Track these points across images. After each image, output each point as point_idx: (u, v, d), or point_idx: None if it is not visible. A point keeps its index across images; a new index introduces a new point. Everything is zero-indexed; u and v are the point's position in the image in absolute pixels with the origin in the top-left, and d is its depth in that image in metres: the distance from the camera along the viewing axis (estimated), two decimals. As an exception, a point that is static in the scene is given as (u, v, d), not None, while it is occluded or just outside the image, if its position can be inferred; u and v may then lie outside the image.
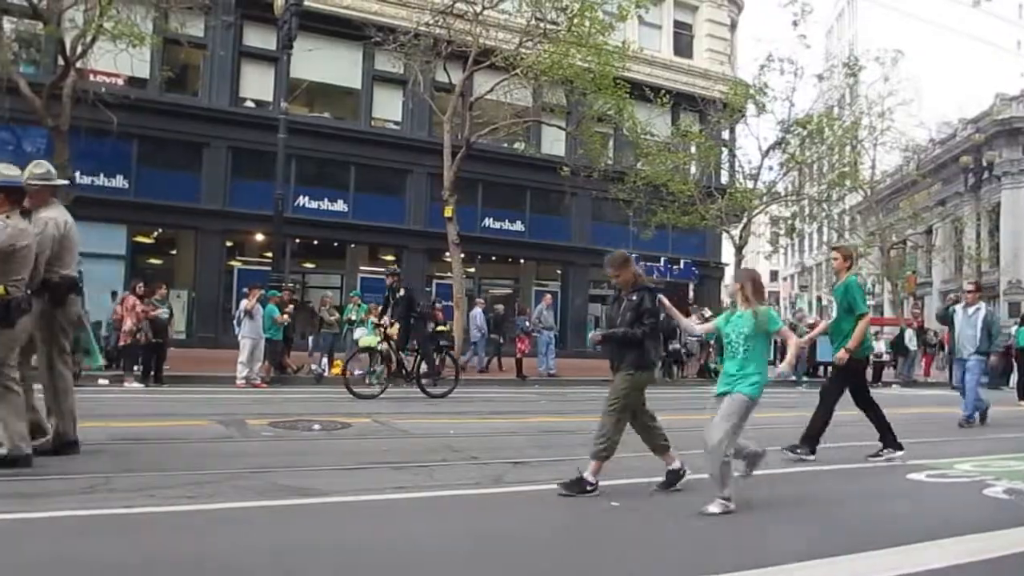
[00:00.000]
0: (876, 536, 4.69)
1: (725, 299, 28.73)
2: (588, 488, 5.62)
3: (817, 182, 30.59)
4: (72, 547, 4.07)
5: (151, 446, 7.17)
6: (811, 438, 7.55)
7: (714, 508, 5.15)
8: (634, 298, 5.95)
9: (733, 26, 33.22)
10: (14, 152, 20.58)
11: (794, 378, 21.24)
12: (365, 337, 16.46)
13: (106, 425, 8.41)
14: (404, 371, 13.37)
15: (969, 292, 11.62)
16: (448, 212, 20.16)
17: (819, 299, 55.38)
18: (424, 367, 13.70)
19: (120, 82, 20.85)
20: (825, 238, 51.06)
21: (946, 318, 12.30)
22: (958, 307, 11.61)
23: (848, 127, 27.65)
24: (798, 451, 7.48)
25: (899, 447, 7.58)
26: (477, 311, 20.39)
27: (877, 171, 31.80)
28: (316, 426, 8.95)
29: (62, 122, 16.21)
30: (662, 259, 28.36)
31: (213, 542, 4.25)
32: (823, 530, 4.97)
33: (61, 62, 16.69)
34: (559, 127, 24.24)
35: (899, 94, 27.60)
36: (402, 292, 13.81)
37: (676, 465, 5.92)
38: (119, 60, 17.63)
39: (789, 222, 28.75)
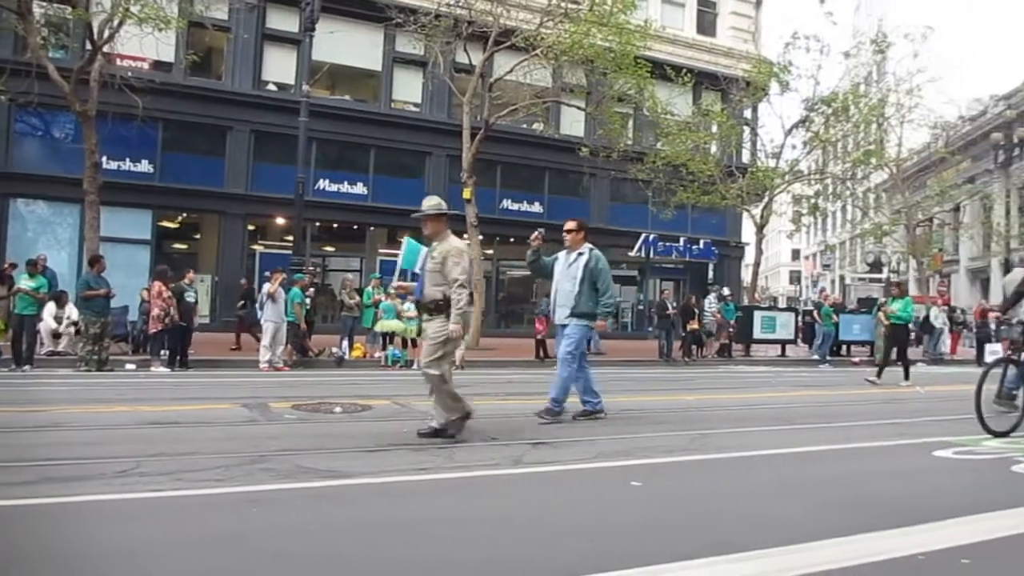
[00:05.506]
0: (903, 514, 4.64)
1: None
2: None
3: (841, 160, 30.31)
4: (105, 531, 4.15)
5: (178, 430, 7.28)
6: None
7: None
8: None
9: (758, 4, 32.86)
10: (42, 137, 20.93)
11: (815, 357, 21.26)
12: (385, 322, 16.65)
13: (134, 410, 8.59)
14: None
15: (569, 232, 8.55)
16: (467, 194, 20.20)
17: (842, 278, 54.73)
18: None
19: (146, 66, 21.05)
20: (849, 216, 50.56)
21: (541, 269, 8.82)
22: (560, 254, 8.79)
23: (875, 105, 27.30)
24: None
25: None
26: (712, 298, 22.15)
27: (904, 149, 31.41)
28: (337, 408, 9.05)
29: (90, 107, 16.34)
30: (681, 239, 28.40)
31: (245, 523, 4.32)
32: (850, 507, 4.87)
33: (89, 46, 16.82)
34: (579, 107, 24.16)
35: (929, 71, 27.13)
36: None
37: None
38: (145, 44, 17.76)
39: (812, 201, 28.56)
